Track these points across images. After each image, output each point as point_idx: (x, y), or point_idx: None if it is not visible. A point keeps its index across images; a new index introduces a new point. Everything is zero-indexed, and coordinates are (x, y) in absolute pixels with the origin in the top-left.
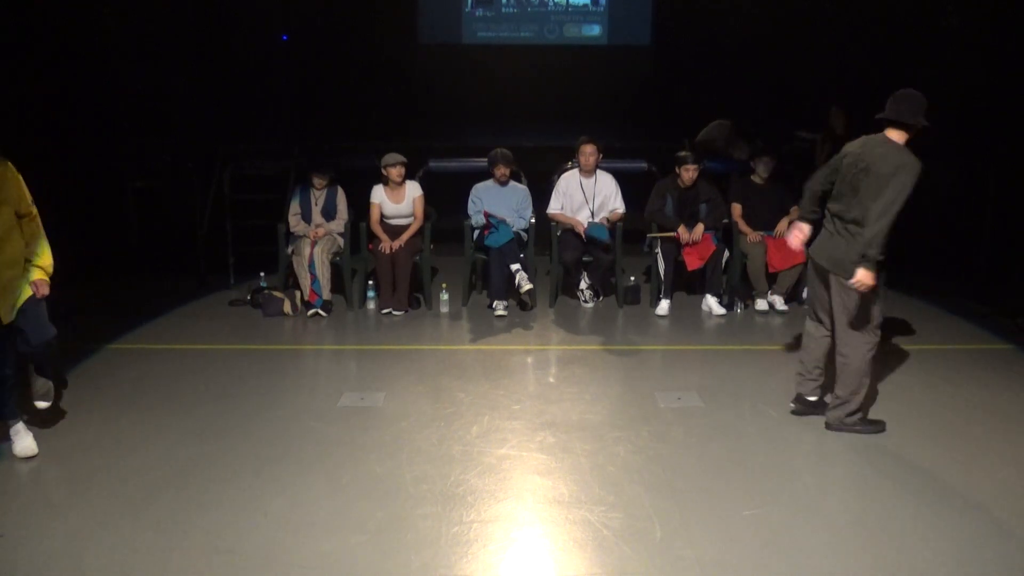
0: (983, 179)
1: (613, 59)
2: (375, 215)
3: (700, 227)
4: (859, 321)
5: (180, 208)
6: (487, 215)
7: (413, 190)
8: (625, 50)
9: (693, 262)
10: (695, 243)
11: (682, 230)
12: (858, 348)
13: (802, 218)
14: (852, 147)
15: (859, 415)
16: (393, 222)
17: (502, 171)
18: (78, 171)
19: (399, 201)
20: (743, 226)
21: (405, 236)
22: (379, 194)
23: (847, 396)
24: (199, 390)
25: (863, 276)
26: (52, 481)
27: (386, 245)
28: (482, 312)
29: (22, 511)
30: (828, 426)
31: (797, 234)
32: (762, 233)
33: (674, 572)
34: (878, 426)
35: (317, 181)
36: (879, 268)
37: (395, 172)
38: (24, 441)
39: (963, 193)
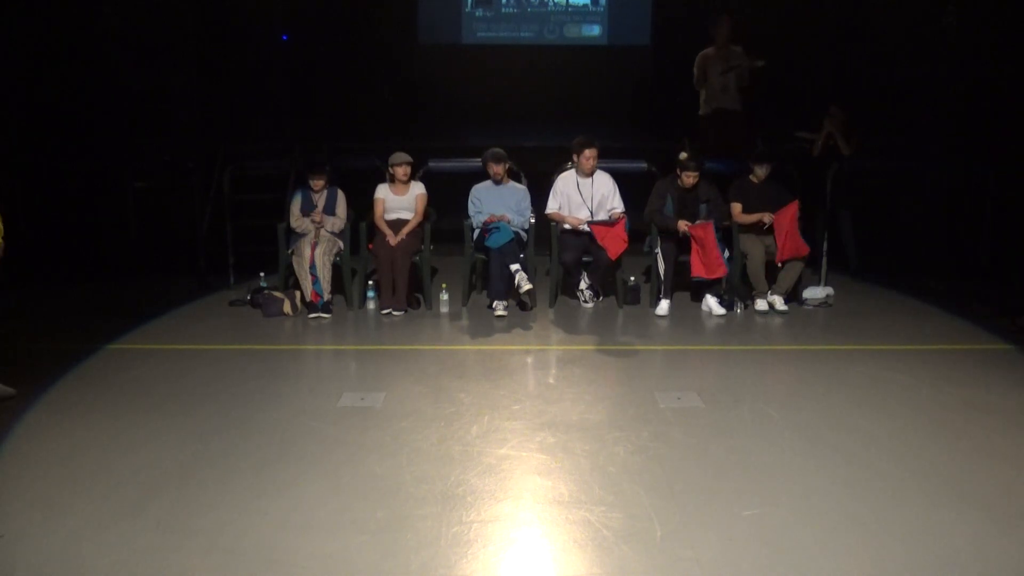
0: (983, 179)
1: (613, 59)
2: (379, 210)
3: (709, 225)
4: None
5: (180, 208)
6: (486, 224)
7: (416, 188)
8: (625, 50)
9: (698, 268)
10: (695, 237)
11: (682, 222)
12: None
13: None
14: None
15: None
16: (394, 216)
17: (495, 169)
18: (78, 171)
19: (402, 194)
20: (746, 219)
21: (405, 230)
22: (383, 191)
23: None
24: (199, 390)
25: None
26: (52, 481)
27: (389, 238)
28: (482, 312)
29: (22, 511)
30: None
31: None
32: (769, 214)
33: (674, 572)
34: None
35: (313, 182)
36: None
37: (401, 171)
38: None
39: (963, 193)
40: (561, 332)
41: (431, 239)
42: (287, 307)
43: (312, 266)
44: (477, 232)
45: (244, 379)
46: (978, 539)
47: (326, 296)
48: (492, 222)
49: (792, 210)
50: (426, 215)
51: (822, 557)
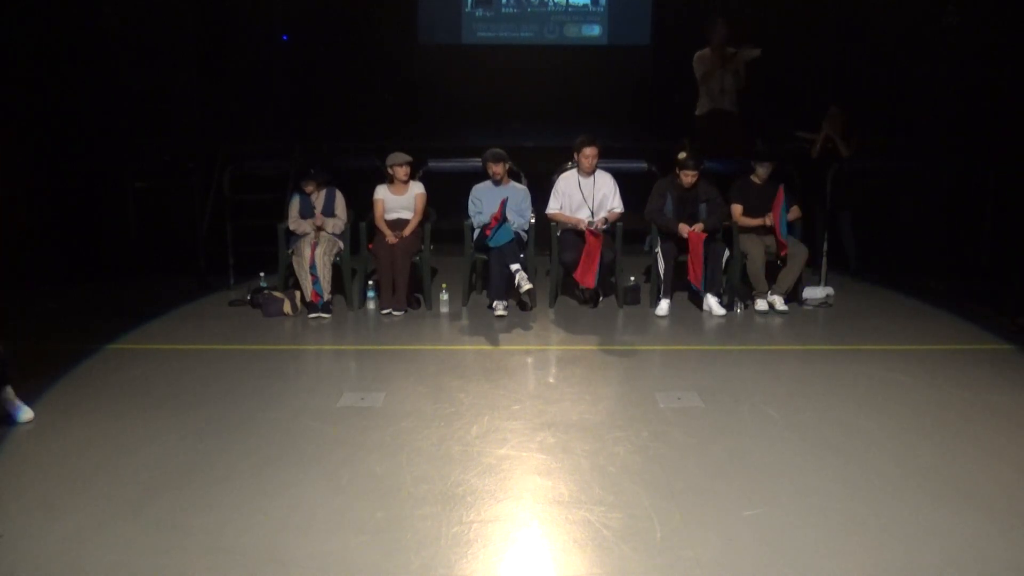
0: (983, 179)
1: (613, 59)
2: (379, 211)
3: (700, 225)
4: None
5: (180, 208)
6: (498, 212)
7: (415, 187)
8: (625, 50)
9: (693, 274)
10: (695, 235)
11: (682, 226)
12: None
13: None
14: None
15: None
16: (394, 216)
17: (494, 169)
18: (79, 171)
19: (401, 194)
20: (746, 221)
21: (407, 230)
22: (382, 191)
23: None
24: (199, 390)
25: None
26: (52, 481)
27: (389, 237)
28: (482, 312)
29: (22, 511)
30: None
31: None
32: (768, 219)
33: (674, 572)
34: None
35: (305, 187)
36: None
37: (400, 171)
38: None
39: (963, 193)
40: (561, 332)
41: (431, 239)
42: (287, 307)
43: (312, 266)
44: (477, 232)
45: (244, 379)
46: (978, 539)
47: (326, 296)
48: (495, 221)
49: (779, 197)
50: (426, 215)
51: (822, 557)
